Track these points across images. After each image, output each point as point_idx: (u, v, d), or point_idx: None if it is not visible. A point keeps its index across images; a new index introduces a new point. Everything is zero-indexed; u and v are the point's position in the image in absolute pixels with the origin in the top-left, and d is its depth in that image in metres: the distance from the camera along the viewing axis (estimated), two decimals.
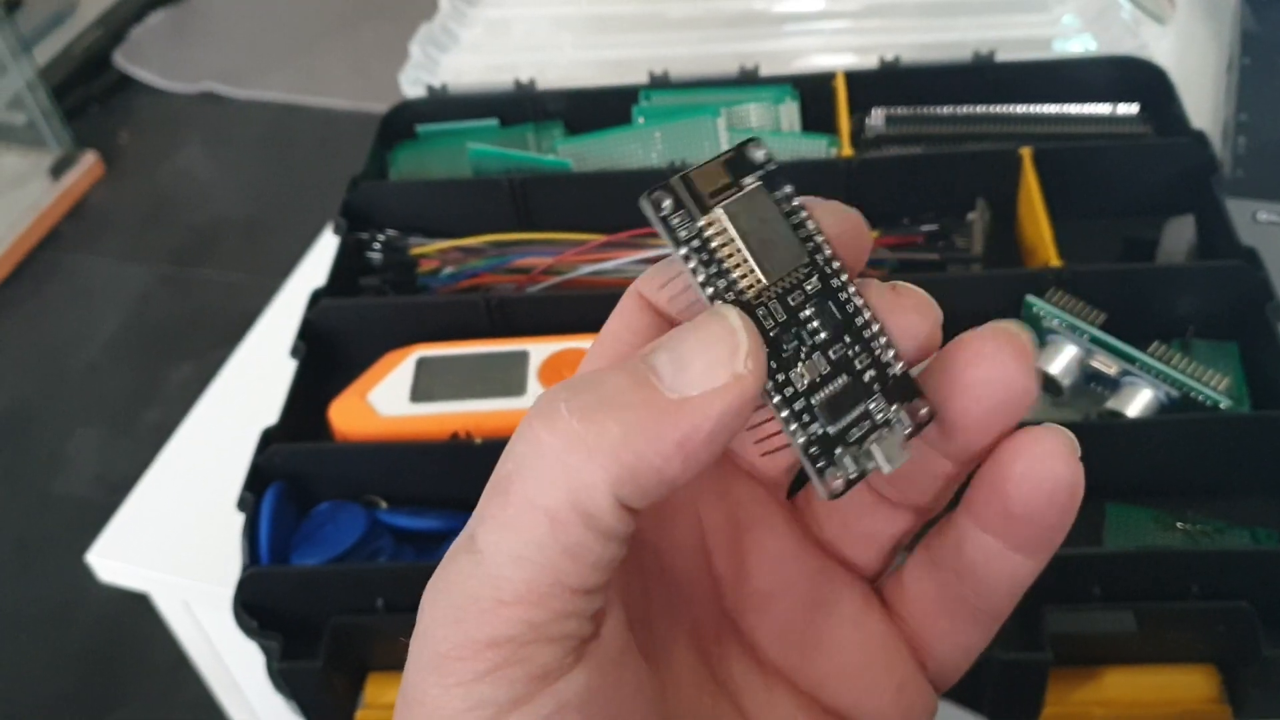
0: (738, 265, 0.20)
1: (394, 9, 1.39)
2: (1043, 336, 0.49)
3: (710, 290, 0.19)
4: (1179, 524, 0.45)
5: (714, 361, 0.18)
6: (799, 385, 0.19)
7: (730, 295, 0.19)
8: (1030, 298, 0.49)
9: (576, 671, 0.18)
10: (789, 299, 0.20)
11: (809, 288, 0.20)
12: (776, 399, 0.19)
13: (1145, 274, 0.52)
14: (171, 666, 1.17)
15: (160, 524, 0.54)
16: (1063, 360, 0.48)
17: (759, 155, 0.20)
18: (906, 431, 0.20)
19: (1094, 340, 0.47)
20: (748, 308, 0.19)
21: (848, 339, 0.20)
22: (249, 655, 0.46)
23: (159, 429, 0.62)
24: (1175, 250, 0.53)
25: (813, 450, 0.19)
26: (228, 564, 0.47)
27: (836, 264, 0.20)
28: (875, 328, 0.20)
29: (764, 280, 0.20)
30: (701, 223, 0.20)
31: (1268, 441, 0.45)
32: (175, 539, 0.53)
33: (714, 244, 0.20)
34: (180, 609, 0.56)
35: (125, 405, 1.55)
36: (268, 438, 0.49)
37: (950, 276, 0.54)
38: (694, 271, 0.19)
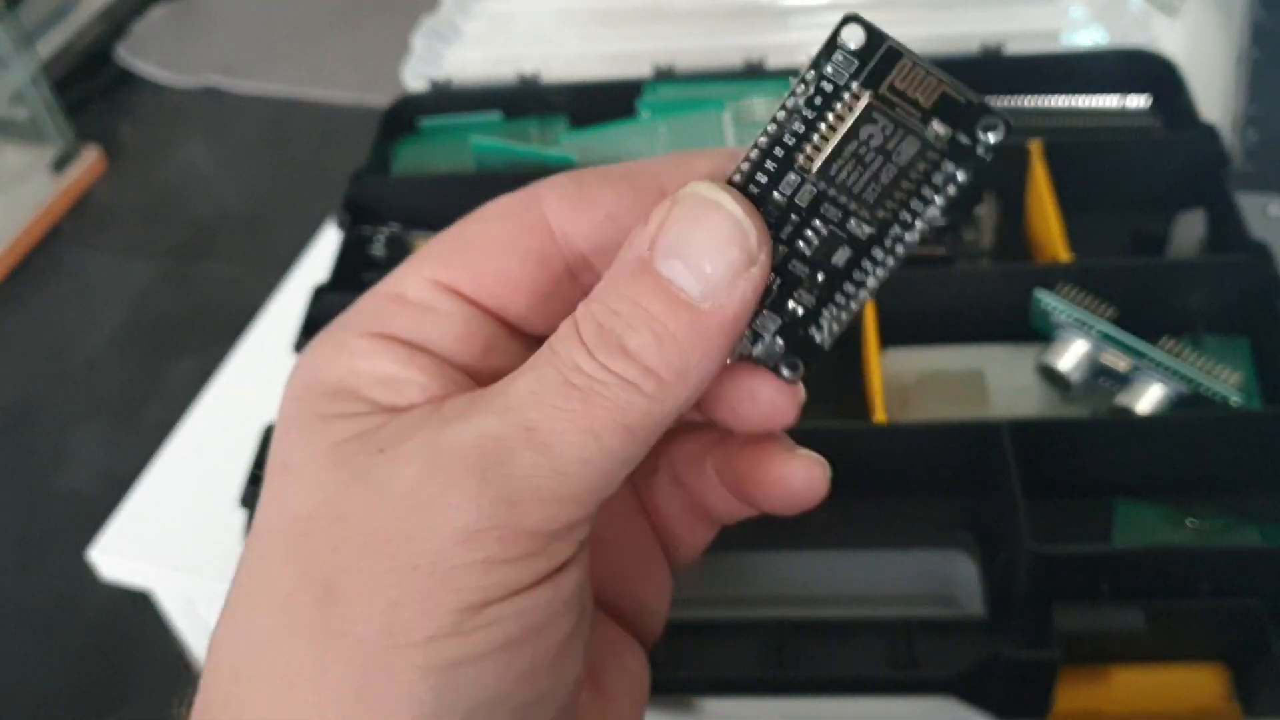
0: (816, 143, 0.18)
1: (396, 3, 1.39)
2: (1052, 331, 0.49)
3: (776, 133, 0.18)
4: (1188, 521, 0.45)
5: (732, 262, 0.19)
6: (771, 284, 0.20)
7: (777, 155, 0.18)
8: (1039, 292, 0.48)
9: (572, 568, 0.19)
10: (819, 206, 0.19)
11: (843, 219, 0.19)
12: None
13: (1155, 268, 0.51)
14: (173, 663, 1.17)
15: (162, 520, 0.54)
16: (1072, 355, 0.48)
17: (985, 135, 0.19)
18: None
19: (1103, 335, 0.47)
20: (773, 178, 0.19)
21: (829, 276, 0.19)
22: None
23: (161, 424, 0.61)
24: (1185, 244, 0.53)
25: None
26: (230, 560, 0.46)
27: (891, 239, 0.19)
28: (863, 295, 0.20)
29: (813, 172, 0.19)
30: (849, 93, 0.18)
31: (1278, 438, 0.44)
32: (177, 535, 0.53)
33: (830, 112, 0.18)
34: (182, 606, 0.56)
35: (127, 400, 1.55)
36: (270, 433, 0.49)
37: (958, 271, 0.53)
38: (795, 108, 0.18)
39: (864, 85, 0.18)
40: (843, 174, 0.18)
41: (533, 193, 0.21)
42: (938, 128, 0.18)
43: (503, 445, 0.18)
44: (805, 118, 0.18)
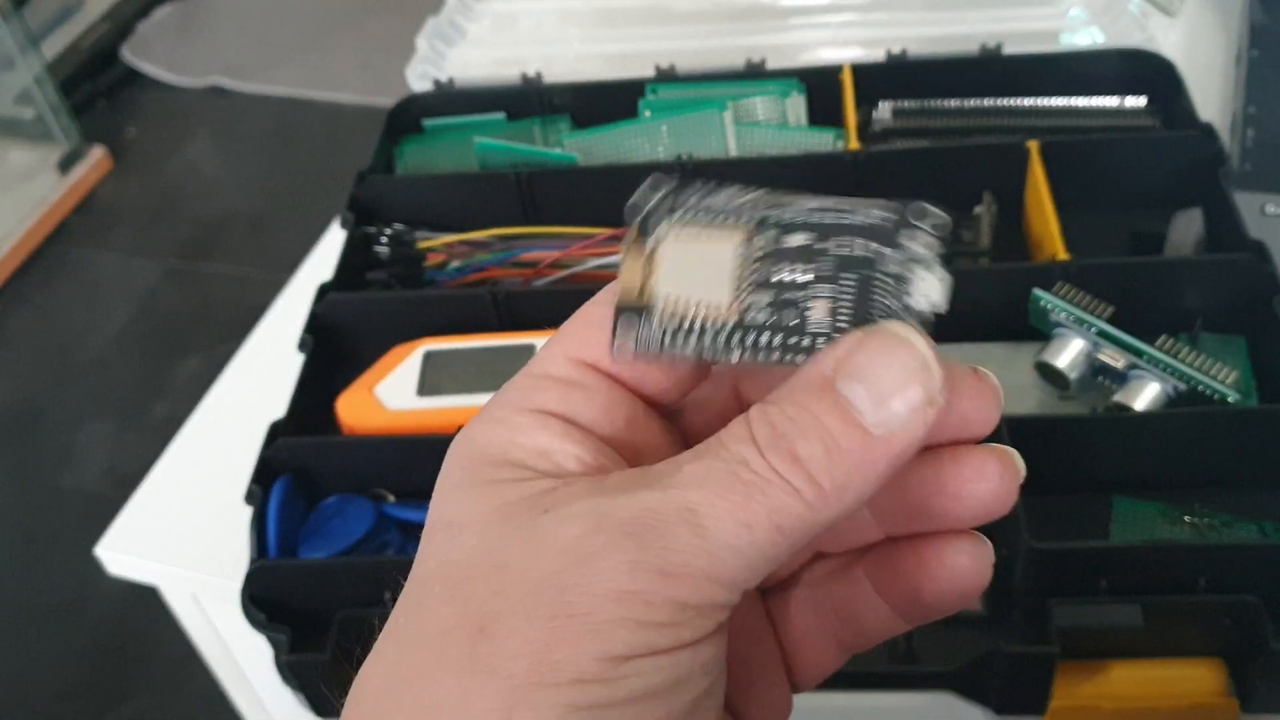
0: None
1: (401, 3, 1.39)
2: (1050, 330, 0.49)
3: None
4: (1186, 517, 0.45)
5: (912, 399, 0.20)
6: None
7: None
8: (1037, 291, 0.48)
9: (711, 641, 0.20)
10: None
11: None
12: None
13: (1153, 267, 0.52)
14: (180, 659, 1.17)
15: (169, 517, 0.55)
16: (1070, 354, 0.48)
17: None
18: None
19: (1101, 334, 0.47)
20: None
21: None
22: (257, 648, 0.46)
23: (167, 422, 0.62)
24: (1183, 243, 0.53)
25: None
26: (236, 557, 0.47)
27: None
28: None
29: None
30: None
31: (1275, 435, 0.45)
32: (184, 532, 0.54)
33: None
34: (189, 602, 0.56)
35: (134, 399, 1.55)
36: (275, 431, 0.49)
37: (957, 270, 0.54)
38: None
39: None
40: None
41: None
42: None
43: (663, 520, 0.20)
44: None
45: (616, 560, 0.19)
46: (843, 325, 0.20)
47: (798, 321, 0.21)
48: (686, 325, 0.21)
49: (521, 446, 0.22)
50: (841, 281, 0.21)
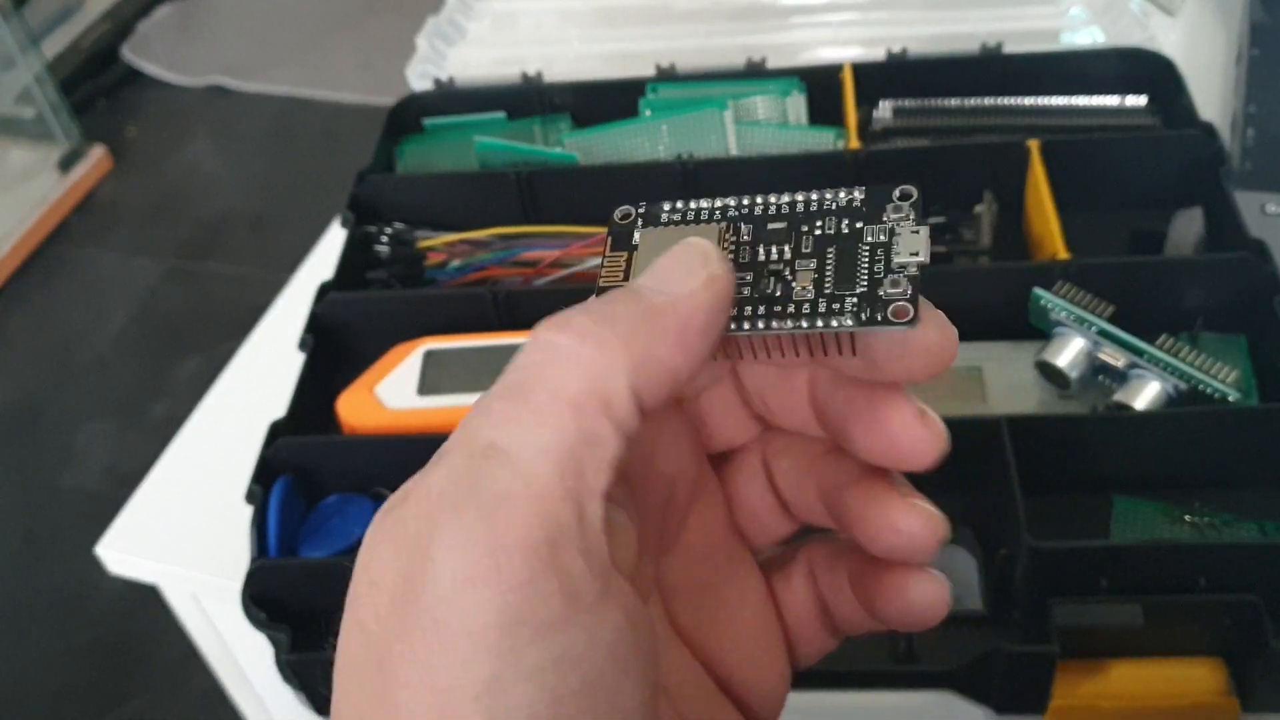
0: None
1: (401, 3, 1.39)
2: (1050, 329, 0.49)
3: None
4: (1186, 517, 0.45)
5: (689, 269, 0.21)
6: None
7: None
8: (1037, 290, 0.48)
9: (608, 608, 0.19)
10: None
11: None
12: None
13: (1153, 266, 0.52)
14: (181, 658, 1.18)
15: (169, 517, 0.55)
16: (1070, 353, 0.48)
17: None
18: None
19: (1101, 333, 0.47)
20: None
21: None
22: (258, 647, 0.46)
23: (168, 422, 0.62)
24: (1183, 243, 0.53)
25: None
26: (236, 556, 0.47)
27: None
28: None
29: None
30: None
31: (1275, 434, 0.45)
32: (184, 531, 0.54)
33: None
34: (189, 601, 0.56)
35: (134, 398, 1.55)
36: (276, 431, 0.49)
37: (957, 269, 0.54)
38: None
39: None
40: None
41: None
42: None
43: (461, 472, 0.19)
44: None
45: (454, 547, 0.18)
46: (828, 291, 0.21)
47: (781, 292, 0.21)
48: None
49: (592, 541, 0.19)
50: (826, 255, 0.21)
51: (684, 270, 0.21)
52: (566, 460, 0.19)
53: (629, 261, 0.23)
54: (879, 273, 0.21)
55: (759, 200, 0.23)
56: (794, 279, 0.21)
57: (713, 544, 0.25)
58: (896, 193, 0.22)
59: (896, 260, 0.21)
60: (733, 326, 0.21)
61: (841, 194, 0.22)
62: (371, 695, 0.19)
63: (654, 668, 0.20)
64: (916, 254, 0.21)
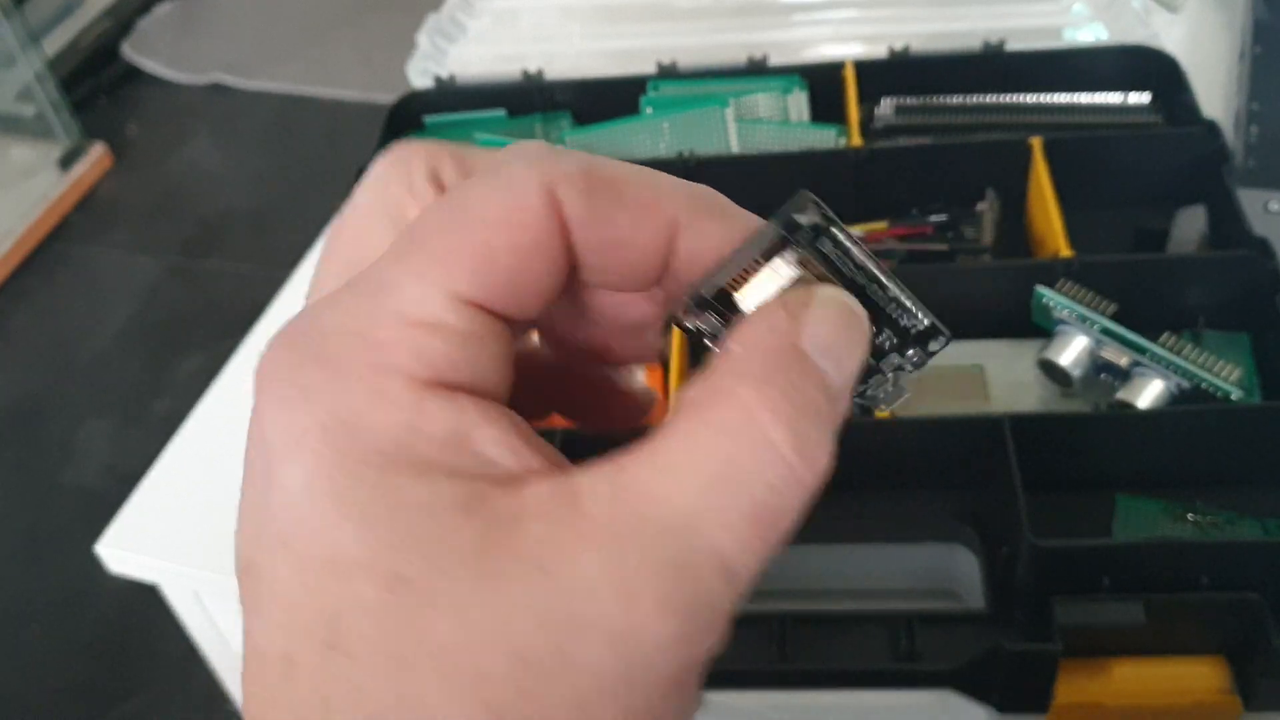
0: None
1: (402, 0, 1.39)
2: (1053, 327, 0.49)
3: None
4: (1189, 515, 0.45)
5: (855, 352, 0.19)
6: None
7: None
8: (1040, 288, 0.48)
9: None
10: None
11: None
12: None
13: (1156, 264, 0.51)
14: (181, 656, 1.17)
15: (170, 515, 0.54)
16: (1073, 351, 0.48)
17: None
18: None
19: (1104, 331, 0.47)
20: None
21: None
22: None
23: (168, 419, 0.62)
24: (1186, 240, 0.53)
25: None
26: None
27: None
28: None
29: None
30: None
31: (1278, 432, 0.44)
32: (184, 529, 0.54)
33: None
34: (190, 599, 0.56)
35: (135, 396, 1.55)
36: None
37: (959, 267, 0.54)
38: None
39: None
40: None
41: (544, 191, 0.18)
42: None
43: (696, 567, 0.17)
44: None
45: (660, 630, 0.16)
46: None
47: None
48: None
49: (429, 437, 0.16)
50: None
51: (856, 361, 0.19)
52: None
53: (770, 278, 0.20)
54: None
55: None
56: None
57: None
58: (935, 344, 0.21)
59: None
60: None
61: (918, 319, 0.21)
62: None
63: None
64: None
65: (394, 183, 0.21)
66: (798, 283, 0.19)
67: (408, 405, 0.16)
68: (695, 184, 0.20)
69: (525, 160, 0.19)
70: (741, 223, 0.20)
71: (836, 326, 0.19)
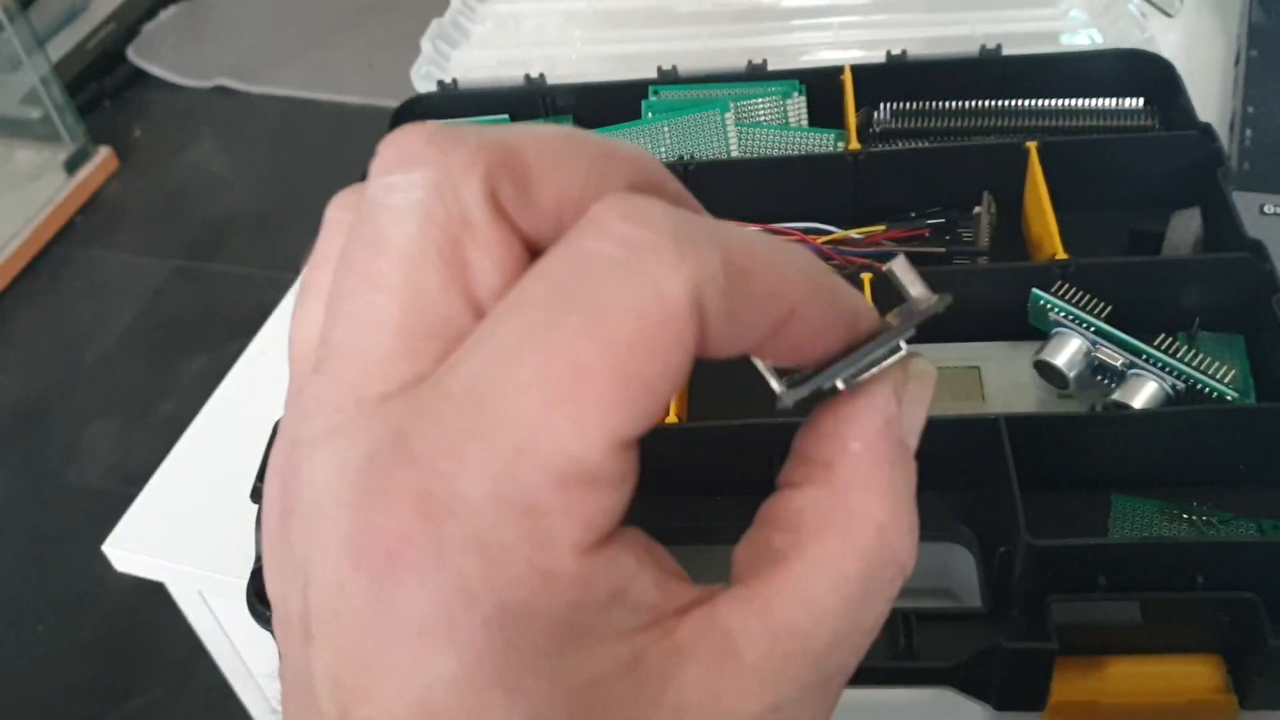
0: None
1: (405, 4, 1.40)
2: (1049, 329, 0.49)
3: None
4: (1184, 515, 0.45)
5: (918, 428, 0.21)
6: None
7: None
8: (1036, 291, 0.49)
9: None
10: None
11: None
12: None
13: (1151, 267, 0.52)
14: (186, 655, 1.18)
15: (175, 515, 0.55)
16: (1068, 353, 0.48)
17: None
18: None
19: (1099, 333, 0.47)
20: None
21: None
22: (263, 643, 0.46)
23: (174, 421, 0.62)
24: (1181, 243, 0.53)
25: None
26: (242, 554, 0.47)
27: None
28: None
29: None
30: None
31: (1273, 433, 0.45)
32: (190, 530, 0.54)
33: None
34: (195, 598, 0.57)
35: (140, 397, 1.56)
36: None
37: (956, 269, 0.54)
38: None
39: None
40: None
41: (694, 300, 0.16)
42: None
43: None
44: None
45: None
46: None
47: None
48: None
49: (594, 603, 0.16)
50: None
51: (919, 424, 0.20)
52: None
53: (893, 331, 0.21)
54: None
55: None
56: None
57: None
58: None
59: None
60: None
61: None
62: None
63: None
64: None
65: (441, 212, 0.17)
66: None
67: (575, 582, 0.15)
68: (812, 260, 0.19)
69: (664, 254, 0.16)
70: (849, 305, 0.20)
71: (926, 404, 0.20)
